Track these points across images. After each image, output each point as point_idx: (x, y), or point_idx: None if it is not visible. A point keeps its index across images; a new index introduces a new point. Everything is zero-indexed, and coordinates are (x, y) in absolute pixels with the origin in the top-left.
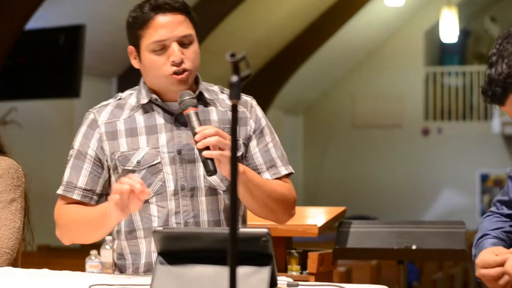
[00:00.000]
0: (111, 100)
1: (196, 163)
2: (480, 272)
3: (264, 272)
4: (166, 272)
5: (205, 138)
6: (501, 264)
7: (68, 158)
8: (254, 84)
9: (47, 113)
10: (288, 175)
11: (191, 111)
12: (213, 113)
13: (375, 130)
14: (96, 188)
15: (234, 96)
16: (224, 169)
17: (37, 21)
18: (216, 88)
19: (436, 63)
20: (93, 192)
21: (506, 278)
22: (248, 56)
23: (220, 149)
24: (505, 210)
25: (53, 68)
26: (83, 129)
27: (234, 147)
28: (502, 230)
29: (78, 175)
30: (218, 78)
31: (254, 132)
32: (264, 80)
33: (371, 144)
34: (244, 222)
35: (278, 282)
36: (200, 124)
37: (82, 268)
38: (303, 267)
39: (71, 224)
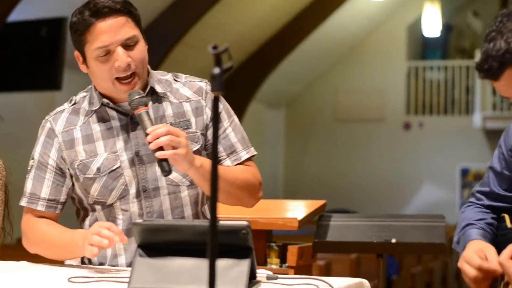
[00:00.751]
0: (66, 105)
1: (155, 163)
2: (463, 266)
3: (243, 265)
4: (146, 264)
5: (157, 138)
6: (484, 271)
7: (29, 168)
8: (236, 77)
9: (28, 106)
10: (250, 158)
11: (141, 111)
12: (168, 108)
13: (357, 124)
14: (59, 197)
15: (216, 88)
16: (180, 167)
17: (19, 13)
18: (169, 76)
19: (418, 57)
20: (57, 202)
21: (485, 282)
22: (230, 49)
23: (173, 147)
24: (486, 201)
25: (35, 61)
26: (41, 139)
27: (215, 139)
28: (485, 221)
29: (41, 186)
30: (200, 70)
31: (211, 120)
32: (246, 74)
33: (352, 138)
34: (204, 216)
35: (257, 275)
36: (152, 123)
37: (61, 261)
38: (283, 260)
39: (40, 242)
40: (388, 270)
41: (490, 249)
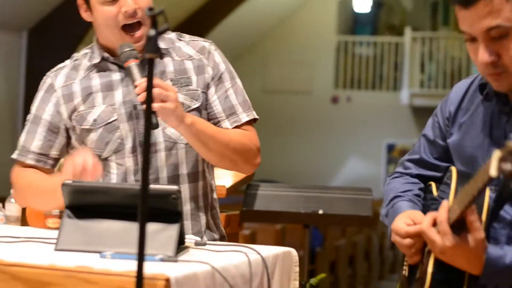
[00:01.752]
0: (67, 62)
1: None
2: (394, 239)
3: (172, 230)
4: (73, 225)
5: (144, 91)
6: (412, 236)
7: (26, 122)
8: None
9: None
10: (250, 122)
11: (132, 63)
12: (169, 64)
13: (285, 96)
14: (50, 152)
15: (151, 50)
16: (169, 122)
17: None
18: (173, 35)
19: (348, 32)
20: (47, 157)
21: (417, 245)
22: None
23: (162, 101)
24: (414, 170)
25: None
26: (40, 94)
27: (149, 100)
28: (413, 193)
29: (32, 140)
30: None
31: (213, 79)
32: None
33: (281, 110)
34: (204, 178)
35: (186, 240)
36: (141, 76)
37: None
38: None
39: (26, 189)
40: (313, 242)
41: (416, 213)
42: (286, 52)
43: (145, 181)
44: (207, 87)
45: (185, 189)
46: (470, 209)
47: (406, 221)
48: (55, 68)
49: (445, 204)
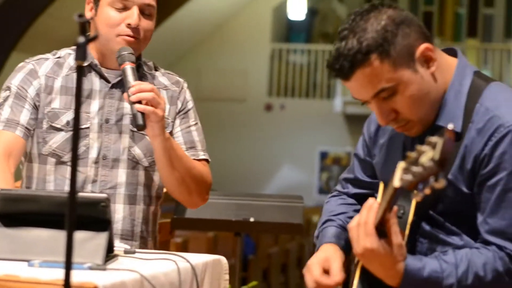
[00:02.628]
0: (49, 55)
1: (122, 135)
2: (305, 274)
3: (101, 238)
4: (1, 234)
5: (140, 92)
6: (322, 285)
7: (2, 100)
8: None
9: None
10: (206, 161)
11: (128, 65)
12: (152, 85)
13: (219, 104)
14: (31, 128)
15: (80, 57)
16: (151, 128)
17: None
18: (151, 63)
19: (282, 40)
20: (30, 132)
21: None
22: None
23: (153, 106)
24: (351, 189)
25: None
26: (21, 75)
27: (77, 115)
28: (346, 215)
29: (19, 114)
30: (62, 41)
31: (179, 112)
32: None
33: (215, 117)
34: (156, 205)
35: (115, 248)
36: (136, 79)
37: None
38: None
39: None
40: (245, 249)
41: (335, 261)
42: (220, 59)
43: (72, 189)
44: (175, 118)
45: (139, 211)
46: (392, 212)
47: (323, 264)
48: (36, 57)
49: (370, 204)
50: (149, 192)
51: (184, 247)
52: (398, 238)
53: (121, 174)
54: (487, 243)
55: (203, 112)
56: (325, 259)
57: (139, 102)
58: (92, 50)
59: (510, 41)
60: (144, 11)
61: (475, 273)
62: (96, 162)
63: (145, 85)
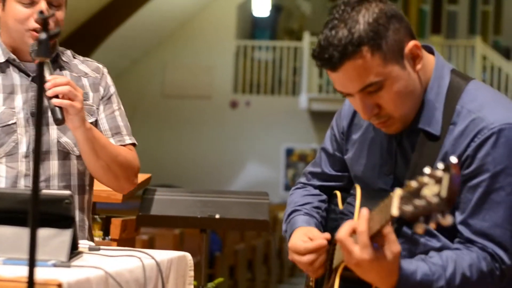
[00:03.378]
0: None
1: (49, 126)
2: (293, 258)
3: (65, 235)
4: None
5: (56, 86)
6: (312, 251)
7: None
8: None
9: None
10: (132, 145)
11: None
12: (68, 77)
13: (184, 101)
14: None
15: (42, 54)
16: (71, 122)
17: None
18: (68, 52)
19: (247, 36)
20: None
21: (320, 260)
22: None
23: (70, 99)
24: (316, 182)
25: None
26: None
27: (40, 107)
28: (312, 205)
29: None
30: None
31: (102, 98)
32: (73, 46)
33: (180, 115)
34: (90, 193)
35: (79, 246)
36: (52, 73)
37: None
38: (106, 233)
39: None
40: (212, 246)
41: (312, 229)
42: (186, 56)
43: (35, 185)
44: (99, 104)
45: (75, 201)
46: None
47: (303, 238)
48: None
49: (365, 214)
50: (82, 181)
51: (150, 244)
52: (396, 247)
53: (53, 166)
54: (469, 242)
55: (168, 109)
56: (303, 235)
57: (56, 96)
58: (6, 46)
59: (473, 38)
60: (52, 3)
61: (462, 274)
62: (27, 156)
63: (60, 79)
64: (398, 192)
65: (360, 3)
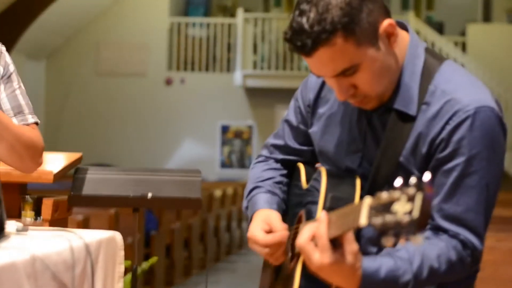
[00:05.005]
0: None
1: None
2: (253, 247)
3: None
4: None
5: None
6: (272, 245)
7: None
8: None
9: None
10: (35, 124)
11: None
12: None
13: (118, 79)
14: None
15: None
16: None
17: None
18: None
19: (181, 13)
20: None
21: (280, 250)
22: None
23: None
24: (278, 155)
25: None
26: None
27: None
28: (274, 180)
29: None
30: None
31: (2, 77)
32: (5, 24)
33: (114, 92)
34: None
35: (8, 227)
36: None
37: None
38: (38, 213)
39: None
40: (147, 225)
41: (274, 219)
42: (119, 34)
43: None
44: None
45: None
46: None
47: (263, 226)
48: None
49: (324, 218)
50: None
51: (85, 225)
52: (353, 246)
53: None
54: (439, 229)
55: (102, 88)
56: (263, 222)
57: None
58: None
59: (406, 13)
60: None
61: (430, 266)
62: None
63: None
64: (367, 202)
65: None
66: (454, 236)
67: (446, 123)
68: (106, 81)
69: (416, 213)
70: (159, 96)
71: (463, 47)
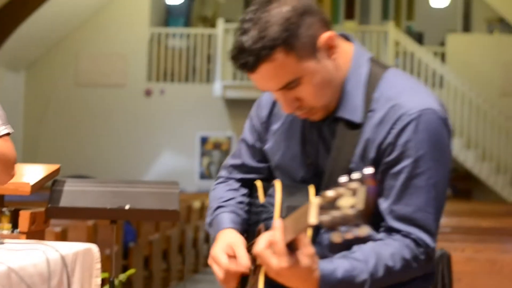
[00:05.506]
0: None
1: None
2: (212, 266)
3: None
4: None
5: None
6: (231, 275)
7: None
8: None
9: None
10: (7, 135)
11: None
12: None
13: (98, 89)
14: None
15: None
16: None
17: None
18: None
19: (161, 24)
20: None
21: (237, 277)
22: None
23: None
24: (236, 175)
25: None
26: None
27: None
28: (236, 201)
29: None
30: None
31: None
32: None
33: (93, 103)
34: None
35: None
36: None
37: None
38: (15, 225)
39: None
40: (126, 237)
41: (239, 245)
42: (99, 44)
43: None
44: None
45: None
46: None
47: (228, 250)
48: None
49: (279, 225)
50: None
51: (63, 236)
52: (309, 249)
53: None
54: (392, 230)
55: (81, 98)
56: (228, 246)
57: None
58: None
59: (386, 23)
60: None
61: (385, 264)
62: None
63: None
64: (315, 201)
65: (271, 2)
66: (407, 235)
67: (392, 127)
68: (86, 92)
69: (360, 205)
70: (138, 106)
71: (443, 57)
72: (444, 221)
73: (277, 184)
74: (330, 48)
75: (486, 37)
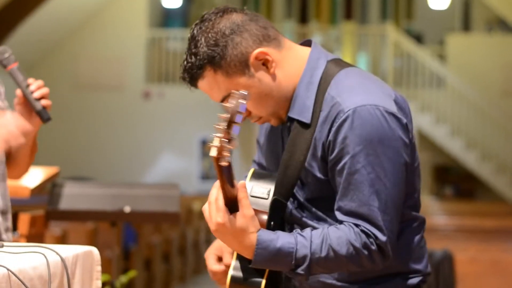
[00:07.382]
0: None
1: None
2: (207, 264)
3: None
4: None
5: (40, 88)
6: (217, 274)
7: None
8: None
9: None
10: None
11: (14, 67)
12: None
13: (96, 92)
14: None
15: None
16: (38, 121)
17: None
18: None
19: (159, 25)
20: None
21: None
22: None
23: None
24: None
25: None
26: None
27: None
28: None
29: None
30: None
31: None
32: None
33: (92, 106)
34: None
35: None
36: (25, 78)
37: None
38: (15, 228)
39: None
40: (127, 239)
41: (227, 248)
42: (97, 47)
43: None
44: None
45: (5, 187)
46: (240, 187)
47: (217, 253)
48: None
49: (216, 184)
50: (4, 168)
51: (63, 239)
52: (249, 211)
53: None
54: (341, 224)
55: (80, 101)
56: (219, 248)
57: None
58: None
59: (385, 23)
60: None
61: (329, 245)
62: None
63: (40, 81)
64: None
65: (204, 22)
66: (356, 225)
67: (331, 125)
68: (84, 95)
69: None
70: (137, 109)
71: (442, 57)
72: (447, 221)
73: (251, 171)
74: (266, 62)
75: (486, 37)
